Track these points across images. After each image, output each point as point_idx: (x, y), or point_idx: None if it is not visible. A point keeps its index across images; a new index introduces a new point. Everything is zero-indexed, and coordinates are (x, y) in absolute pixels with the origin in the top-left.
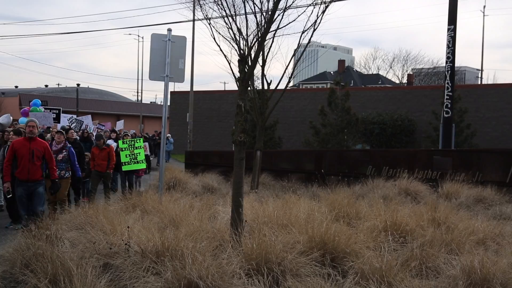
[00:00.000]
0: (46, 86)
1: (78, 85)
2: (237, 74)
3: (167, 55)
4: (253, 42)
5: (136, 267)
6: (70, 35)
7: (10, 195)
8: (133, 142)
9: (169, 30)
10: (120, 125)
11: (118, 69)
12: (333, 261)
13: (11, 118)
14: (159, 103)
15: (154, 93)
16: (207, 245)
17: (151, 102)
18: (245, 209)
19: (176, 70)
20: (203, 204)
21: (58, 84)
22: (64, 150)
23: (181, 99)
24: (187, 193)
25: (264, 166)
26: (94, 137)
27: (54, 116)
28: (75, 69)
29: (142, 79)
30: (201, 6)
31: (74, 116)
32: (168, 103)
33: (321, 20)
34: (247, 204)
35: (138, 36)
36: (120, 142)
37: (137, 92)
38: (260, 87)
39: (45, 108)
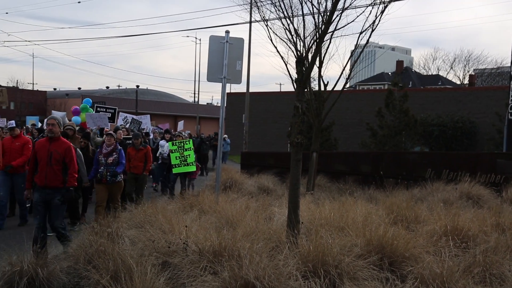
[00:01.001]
0: (107, 87)
1: (137, 86)
2: (294, 75)
3: (225, 56)
4: (311, 43)
5: (194, 266)
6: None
7: (29, 204)
8: (182, 144)
9: (227, 32)
10: (180, 126)
11: (176, 70)
12: (391, 265)
13: (66, 118)
14: (215, 104)
15: (211, 94)
16: (264, 246)
17: (207, 103)
18: (301, 211)
19: (233, 72)
20: (259, 205)
21: (118, 86)
22: (114, 153)
23: (237, 100)
24: (243, 193)
25: (320, 168)
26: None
27: (109, 116)
28: (135, 71)
29: (199, 81)
30: (258, 8)
31: (133, 116)
32: (220, 104)
33: (379, 20)
34: (303, 206)
35: (196, 38)
36: (170, 144)
37: (194, 93)
38: (317, 88)
39: (98, 107)
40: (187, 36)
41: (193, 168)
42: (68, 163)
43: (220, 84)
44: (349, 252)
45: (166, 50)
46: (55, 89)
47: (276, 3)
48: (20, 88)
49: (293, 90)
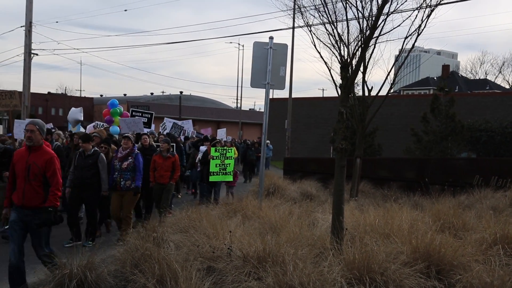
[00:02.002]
0: (152, 93)
1: (181, 92)
2: (338, 81)
3: (269, 62)
4: (356, 48)
5: (238, 272)
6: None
7: (6, 227)
8: (225, 152)
9: (271, 38)
10: (221, 133)
11: (219, 76)
12: (438, 273)
13: (81, 114)
14: (257, 110)
15: (253, 100)
16: (308, 252)
17: (250, 109)
18: (345, 217)
19: (277, 78)
20: (302, 211)
21: (163, 92)
22: (130, 157)
23: (279, 106)
24: (286, 199)
25: (363, 174)
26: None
27: (145, 121)
28: (179, 77)
29: (241, 86)
30: (302, 14)
31: (174, 121)
32: (264, 110)
33: (425, 24)
34: (347, 212)
35: (239, 44)
36: (212, 149)
37: (237, 99)
38: (360, 93)
39: (134, 111)
40: (230, 42)
41: (230, 178)
42: (49, 178)
43: (264, 90)
44: (395, 259)
45: (210, 57)
46: (101, 95)
47: (319, 8)
48: (68, 94)
49: (336, 95)
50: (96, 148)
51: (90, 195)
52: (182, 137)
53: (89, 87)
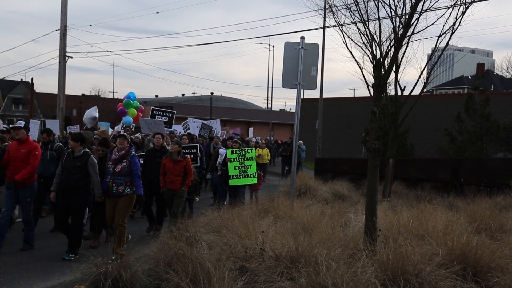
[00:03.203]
0: (183, 95)
1: (211, 93)
2: (370, 80)
3: (300, 62)
4: (389, 47)
5: (270, 272)
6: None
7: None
8: (243, 152)
9: (302, 38)
10: (250, 133)
11: (249, 77)
12: (475, 275)
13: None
14: (288, 110)
15: (284, 100)
16: (341, 253)
17: (280, 110)
18: (378, 218)
19: (308, 78)
20: (334, 211)
21: (194, 93)
22: (124, 160)
23: (310, 106)
24: (318, 200)
25: (396, 174)
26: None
27: (166, 120)
28: (209, 78)
29: (272, 87)
30: (333, 13)
31: (203, 121)
32: (295, 110)
33: (460, 22)
34: (380, 213)
35: (269, 45)
36: (228, 152)
37: (267, 100)
38: (392, 93)
39: (154, 110)
40: (261, 43)
41: (254, 181)
42: None
43: (295, 90)
44: (430, 261)
45: (240, 57)
46: None
47: (351, 7)
48: (101, 96)
49: (368, 95)
50: (87, 149)
51: (75, 202)
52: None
53: (121, 88)
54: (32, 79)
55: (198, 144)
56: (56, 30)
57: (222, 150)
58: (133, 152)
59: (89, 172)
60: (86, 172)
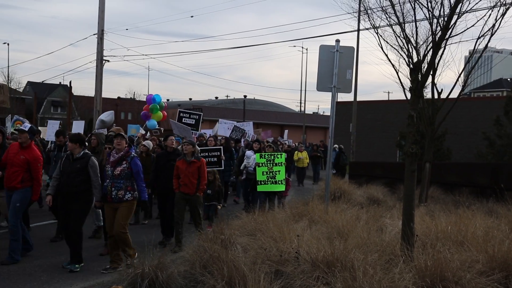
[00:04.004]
0: (216, 98)
1: (245, 96)
2: (406, 84)
3: (335, 65)
4: (427, 50)
5: (306, 276)
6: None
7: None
8: (272, 157)
9: (337, 41)
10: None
11: (282, 80)
12: None
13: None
14: (321, 114)
15: (317, 103)
16: (378, 258)
17: (313, 113)
18: (415, 223)
19: (343, 81)
20: (370, 216)
21: (227, 96)
22: (124, 162)
23: (343, 110)
24: (352, 204)
25: (432, 179)
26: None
27: (193, 123)
28: (242, 81)
29: (305, 90)
30: (368, 16)
31: (235, 123)
32: (330, 113)
33: (500, 24)
34: (417, 218)
35: (302, 48)
36: (257, 156)
37: (300, 103)
38: (428, 96)
39: (181, 112)
40: (294, 46)
41: (281, 188)
42: None
43: (329, 93)
44: (470, 268)
45: (273, 60)
46: (168, 100)
47: (387, 9)
48: (136, 99)
49: (403, 98)
50: (87, 151)
51: (77, 207)
52: (243, 140)
53: (156, 91)
54: (70, 82)
55: (221, 147)
56: (94, 35)
57: (248, 153)
58: (133, 153)
59: (90, 175)
60: (87, 175)
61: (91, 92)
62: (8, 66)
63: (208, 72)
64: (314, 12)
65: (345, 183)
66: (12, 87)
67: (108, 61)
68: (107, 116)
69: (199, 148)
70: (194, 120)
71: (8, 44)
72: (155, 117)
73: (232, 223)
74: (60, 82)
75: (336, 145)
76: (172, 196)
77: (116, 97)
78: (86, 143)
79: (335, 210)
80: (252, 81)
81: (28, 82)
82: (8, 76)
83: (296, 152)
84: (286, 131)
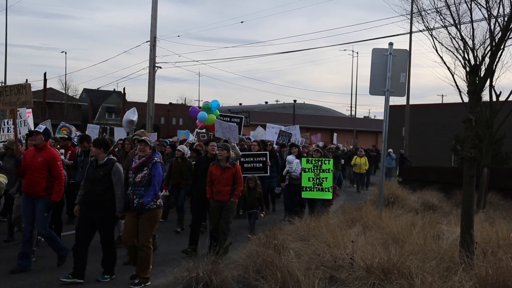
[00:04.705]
0: (266, 102)
1: (294, 101)
2: (461, 86)
3: (388, 69)
4: (485, 52)
5: (361, 283)
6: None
7: None
8: (319, 163)
9: (391, 44)
10: (334, 139)
11: (332, 84)
12: None
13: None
14: (372, 118)
15: (368, 107)
16: (435, 266)
17: (364, 117)
18: (474, 230)
19: (397, 84)
20: (425, 222)
21: (277, 101)
22: (145, 168)
23: (396, 113)
24: (406, 209)
25: (490, 184)
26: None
27: (238, 121)
28: (292, 85)
29: (356, 94)
30: (422, 17)
31: (281, 128)
32: (383, 118)
33: None
34: (475, 225)
35: (353, 51)
36: (303, 160)
37: (351, 107)
38: (485, 98)
39: (222, 115)
40: (344, 50)
41: (328, 196)
42: None
43: (379, 96)
44: None
45: (323, 65)
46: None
47: (441, 11)
48: (187, 105)
49: (457, 101)
50: (112, 156)
51: (101, 217)
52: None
53: (206, 97)
54: (124, 89)
55: (267, 152)
56: (146, 42)
57: (290, 158)
58: (156, 158)
59: (112, 182)
60: (111, 183)
61: (143, 98)
62: (66, 74)
63: (258, 77)
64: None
65: (398, 188)
66: (70, 94)
67: (160, 67)
68: (134, 115)
69: (240, 153)
70: (235, 124)
71: (65, 53)
72: (210, 117)
73: (285, 228)
74: (114, 89)
75: (390, 150)
76: (208, 204)
77: (167, 103)
78: (117, 148)
79: (389, 215)
80: (302, 86)
81: (84, 89)
82: (65, 84)
83: (355, 157)
84: (335, 135)
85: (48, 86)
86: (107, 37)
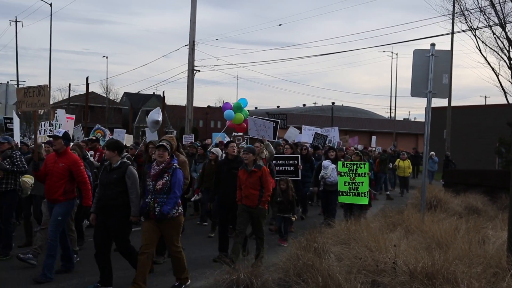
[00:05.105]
0: (304, 105)
1: (333, 103)
2: (507, 87)
3: (430, 70)
4: None
5: (404, 287)
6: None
7: None
8: (355, 167)
9: (433, 44)
10: (373, 142)
11: (371, 86)
12: None
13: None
14: (412, 120)
15: (408, 109)
16: (482, 271)
17: (404, 119)
18: None
19: (439, 86)
20: (470, 226)
21: (315, 103)
22: (166, 174)
23: (437, 115)
24: (449, 213)
25: None
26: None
27: (274, 125)
28: (330, 88)
29: (395, 96)
30: (465, 17)
31: (316, 130)
32: (425, 120)
33: None
34: None
35: (392, 52)
36: (339, 164)
37: (390, 109)
38: None
39: (254, 118)
40: (383, 51)
41: (364, 201)
42: None
43: (419, 98)
44: None
45: (361, 66)
46: (256, 108)
47: (485, 10)
48: None
49: (502, 102)
50: (126, 160)
51: (115, 223)
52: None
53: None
54: (163, 92)
55: (299, 156)
56: (185, 46)
57: (326, 163)
58: (175, 164)
59: (126, 186)
60: (125, 187)
61: (182, 102)
62: (107, 78)
63: (296, 80)
64: (404, 16)
65: (441, 191)
66: (111, 98)
67: (199, 71)
68: (158, 114)
69: (274, 151)
70: (274, 124)
71: (106, 57)
72: (236, 119)
73: (325, 231)
74: (153, 92)
75: (432, 152)
76: (235, 210)
77: (206, 106)
78: (142, 153)
79: (432, 219)
80: (340, 88)
81: (125, 93)
82: (107, 88)
83: (398, 160)
84: (374, 138)
85: (90, 90)
86: (146, 42)
